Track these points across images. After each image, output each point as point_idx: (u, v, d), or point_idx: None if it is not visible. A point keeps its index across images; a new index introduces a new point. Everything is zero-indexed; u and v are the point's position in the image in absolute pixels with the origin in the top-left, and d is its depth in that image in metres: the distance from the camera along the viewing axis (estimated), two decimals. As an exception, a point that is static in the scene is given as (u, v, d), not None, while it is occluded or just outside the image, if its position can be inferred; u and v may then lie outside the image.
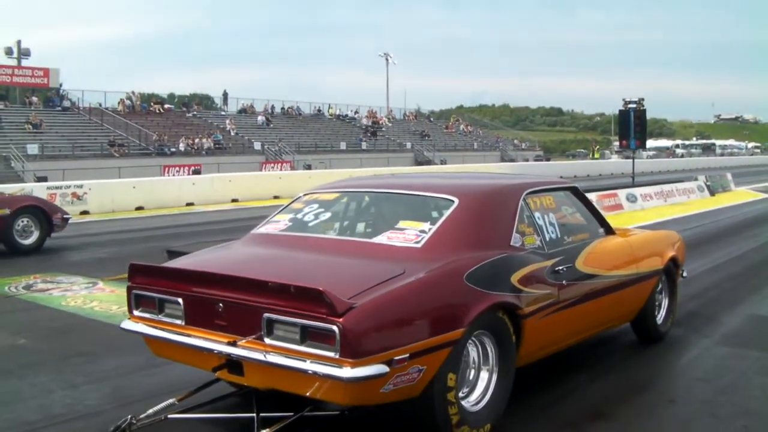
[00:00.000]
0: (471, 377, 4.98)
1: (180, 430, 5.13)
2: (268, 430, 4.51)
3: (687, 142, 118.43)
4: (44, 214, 14.47)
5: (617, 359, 6.86)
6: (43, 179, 29.12)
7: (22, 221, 14.20)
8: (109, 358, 7.03)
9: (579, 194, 6.66)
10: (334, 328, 4.08)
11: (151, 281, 5.07)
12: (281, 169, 44.22)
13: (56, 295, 10.05)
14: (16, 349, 7.46)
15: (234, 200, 28.47)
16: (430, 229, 5.16)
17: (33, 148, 39.53)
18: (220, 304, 4.60)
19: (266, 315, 4.36)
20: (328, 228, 5.84)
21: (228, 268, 5.00)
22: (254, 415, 4.77)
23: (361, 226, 5.92)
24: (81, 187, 22.96)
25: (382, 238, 5.22)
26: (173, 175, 37.99)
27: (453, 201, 5.39)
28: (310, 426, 4.95)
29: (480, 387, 5.01)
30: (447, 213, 5.30)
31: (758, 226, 18.28)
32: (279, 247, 5.52)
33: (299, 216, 5.89)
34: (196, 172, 37.86)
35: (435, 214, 5.42)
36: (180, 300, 4.85)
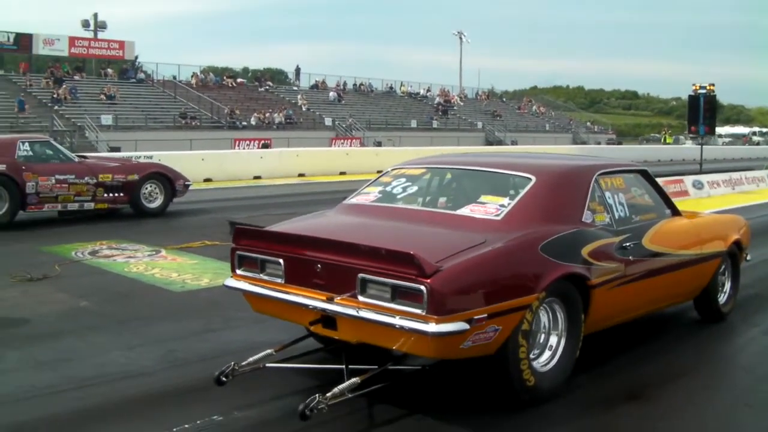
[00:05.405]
0: (541, 340, 5.37)
1: (275, 378, 5.58)
2: (358, 378, 4.85)
3: (764, 129, 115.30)
4: (168, 180, 15.62)
5: (661, 345, 6.87)
6: (116, 149, 29.83)
7: (149, 186, 15.33)
8: (165, 323, 7.35)
9: (648, 177, 6.96)
10: (422, 287, 4.50)
11: (254, 243, 5.55)
12: (350, 146, 44.56)
13: (120, 261, 10.41)
14: (78, 311, 7.81)
15: (301, 175, 28.72)
16: (509, 204, 5.59)
17: (107, 119, 40.37)
18: (319, 265, 5.05)
19: (360, 275, 4.79)
20: (415, 200, 6.30)
21: (326, 233, 5.45)
22: (343, 366, 5.13)
23: (445, 199, 6.31)
24: (150, 158, 23.34)
25: (465, 211, 5.66)
26: (243, 148, 38.48)
27: (531, 179, 5.78)
28: (393, 379, 5.28)
29: (549, 350, 5.39)
30: (525, 189, 5.71)
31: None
32: (371, 217, 5.98)
33: (388, 189, 6.35)
34: (265, 146, 38.31)
35: (513, 190, 5.85)
36: (281, 261, 5.31)
